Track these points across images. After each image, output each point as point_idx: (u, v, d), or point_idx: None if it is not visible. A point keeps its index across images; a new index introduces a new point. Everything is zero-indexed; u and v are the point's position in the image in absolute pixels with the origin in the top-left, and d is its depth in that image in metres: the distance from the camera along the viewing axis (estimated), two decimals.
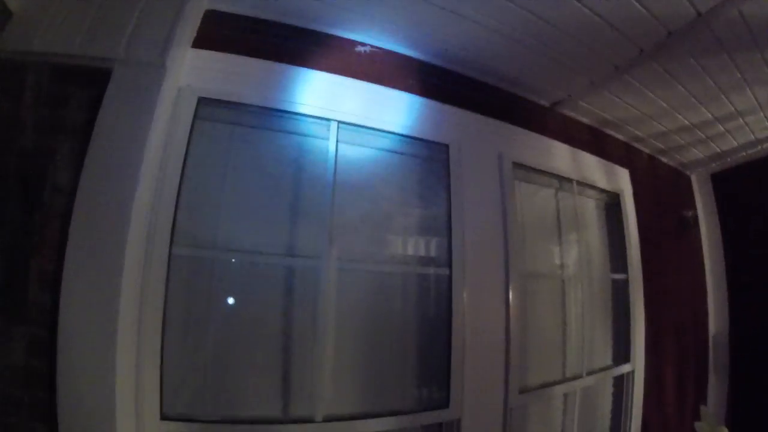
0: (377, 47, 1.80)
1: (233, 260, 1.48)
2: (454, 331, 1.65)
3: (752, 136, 2.71)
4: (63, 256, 1.16)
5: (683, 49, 1.79)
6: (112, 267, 1.16)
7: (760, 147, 2.87)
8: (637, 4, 1.56)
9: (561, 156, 2.27)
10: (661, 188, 2.97)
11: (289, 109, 1.56)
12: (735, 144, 2.82)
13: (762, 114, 2.40)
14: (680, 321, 2.82)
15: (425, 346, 1.71)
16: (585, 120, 2.51)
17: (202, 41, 1.51)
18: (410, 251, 1.79)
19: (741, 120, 2.47)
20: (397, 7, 1.60)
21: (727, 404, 2.95)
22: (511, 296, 1.82)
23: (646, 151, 2.92)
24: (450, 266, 1.70)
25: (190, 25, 1.46)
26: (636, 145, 2.83)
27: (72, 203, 1.20)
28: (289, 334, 1.51)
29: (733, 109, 2.32)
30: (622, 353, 2.40)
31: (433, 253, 1.79)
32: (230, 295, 1.47)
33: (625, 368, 2.35)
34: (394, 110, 1.74)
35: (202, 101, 1.45)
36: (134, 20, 1.38)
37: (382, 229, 1.73)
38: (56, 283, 1.14)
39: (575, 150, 2.36)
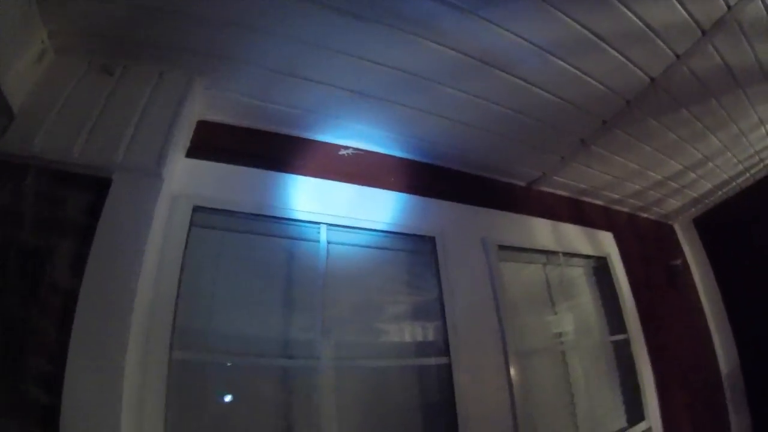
0: (360, 149, 1.91)
1: (228, 364, 1.47)
2: (460, 418, 1.61)
3: (724, 176, 2.83)
4: (61, 356, 1.16)
5: (643, 112, 1.92)
6: (114, 369, 1.17)
7: (734, 183, 2.98)
8: (593, 81, 1.70)
9: (544, 231, 2.35)
10: (646, 243, 3.04)
11: (279, 215, 1.63)
12: (710, 186, 2.93)
13: (729, 153, 2.52)
14: (689, 367, 2.79)
15: None
16: (562, 193, 2.63)
17: (195, 151, 1.60)
18: (407, 342, 1.79)
19: (710, 164, 2.59)
20: (375, 111, 1.72)
21: None
22: (512, 375, 1.80)
23: (626, 210, 3.02)
24: (448, 354, 1.70)
25: (183, 135, 1.55)
26: (615, 207, 2.94)
27: (70, 303, 1.22)
28: None
29: (700, 155, 2.44)
30: (636, 412, 2.34)
31: (429, 342, 1.79)
32: (229, 397, 1.44)
33: (641, 427, 2.28)
34: (379, 208, 1.82)
35: (196, 209, 1.52)
36: (131, 129, 1.46)
37: (376, 324, 1.74)
38: (56, 383, 1.13)
39: (557, 223, 2.44)
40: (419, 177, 2.00)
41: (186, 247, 1.46)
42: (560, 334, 2.29)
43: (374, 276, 1.79)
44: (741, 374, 3.00)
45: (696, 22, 1.52)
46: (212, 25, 1.43)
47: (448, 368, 1.68)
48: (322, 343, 1.52)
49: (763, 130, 2.36)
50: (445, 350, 1.71)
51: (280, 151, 1.75)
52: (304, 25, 1.38)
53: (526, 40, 1.47)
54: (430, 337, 1.79)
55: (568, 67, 1.61)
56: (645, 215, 3.16)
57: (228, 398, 1.44)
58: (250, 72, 1.55)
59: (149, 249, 1.33)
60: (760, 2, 1.50)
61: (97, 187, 1.39)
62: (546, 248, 2.30)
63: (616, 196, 2.79)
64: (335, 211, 1.71)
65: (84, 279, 1.24)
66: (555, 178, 2.41)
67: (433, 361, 1.72)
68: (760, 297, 2.92)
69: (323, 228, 1.68)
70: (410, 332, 1.80)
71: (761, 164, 2.83)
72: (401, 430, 1.64)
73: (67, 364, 1.14)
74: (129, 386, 1.17)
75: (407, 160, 2.02)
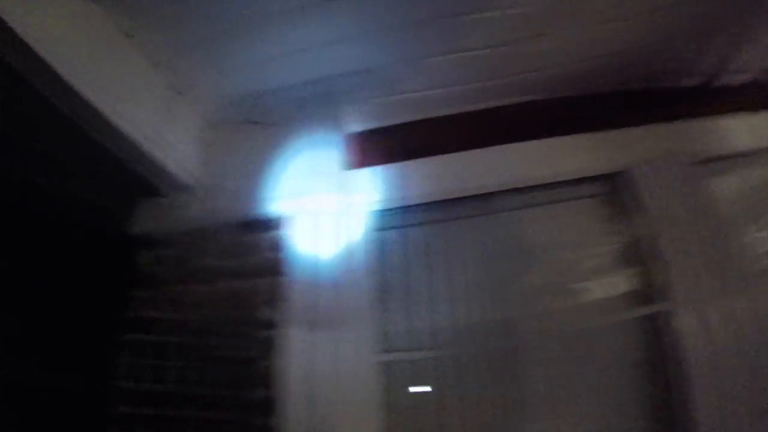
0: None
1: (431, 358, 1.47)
2: (688, 367, 1.34)
3: None
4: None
5: None
6: None
7: None
8: None
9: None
10: None
11: (451, 197, 1.59)
12: None
13: None
14: None
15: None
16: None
17: (354, 162, 1.67)
18: (610, 297, 1.55)
19: None
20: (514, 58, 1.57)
21: None
22: None
23: None
24: (665, 300, 1.43)
25: (339, 153, 1.64)
26: None
27: (272, 333, 1.37)
28: None
29: None
30: None
31: (636, 291, 1.54)
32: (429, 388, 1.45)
33: None
34: (548, 160, 1.61)
35: (373, 213, 1.57)
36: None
37: (571, 286, 1.56)
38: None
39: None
40: (566, 113, 1.72)
41: (377, 253, 1.55)
42: None
43: (558, 233, 1.61)
44: None
45: None
46: None
47: (665, 316, 1.42)
48: (522, 319, 1.46)
49: None
50: (660, 297, 1.45)
51: (430, 137, 1.70)
52: None
53: None
54: (637, 285, 1.54)
55: None
56: None
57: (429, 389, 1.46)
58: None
59: (337, 261, 1.42)
60: None
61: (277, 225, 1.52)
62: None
63: None
64: (510, 176, 1.57)
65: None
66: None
67: (646, 311, 1.48)
68: None
69: (500, 196, 1.59)
70: (611, 285, 1.56)
71: None
72: (613, 392, 1.45)
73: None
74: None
75: (555, 99, 1.75)
